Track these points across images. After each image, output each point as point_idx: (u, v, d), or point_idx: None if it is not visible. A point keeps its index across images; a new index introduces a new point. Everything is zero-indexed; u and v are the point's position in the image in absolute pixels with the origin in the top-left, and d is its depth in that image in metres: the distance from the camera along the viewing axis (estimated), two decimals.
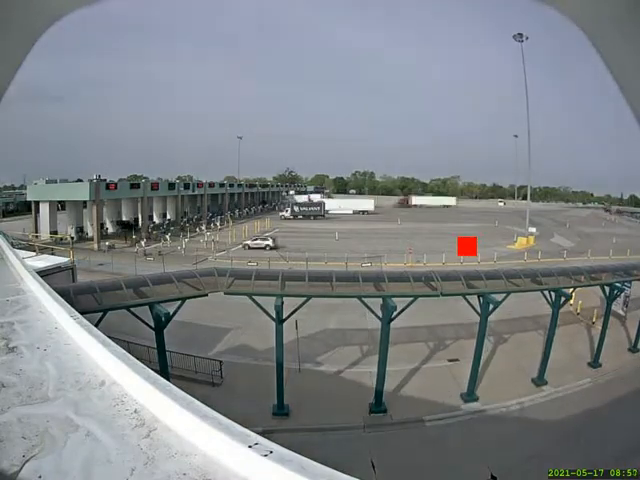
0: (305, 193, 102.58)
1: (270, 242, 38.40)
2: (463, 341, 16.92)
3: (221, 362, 14.51)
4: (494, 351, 16.79)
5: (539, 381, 14.70)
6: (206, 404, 1.97)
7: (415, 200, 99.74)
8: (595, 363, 16.02)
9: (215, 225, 51.30)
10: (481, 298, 13.56)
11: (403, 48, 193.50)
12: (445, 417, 12.71)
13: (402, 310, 12.72)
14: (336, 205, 76.44)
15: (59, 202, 42.54)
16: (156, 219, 53.78)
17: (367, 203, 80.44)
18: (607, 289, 16.39)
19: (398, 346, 15.25)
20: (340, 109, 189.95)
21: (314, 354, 16.01)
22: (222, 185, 69.00)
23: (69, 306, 3.73)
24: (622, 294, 18.23)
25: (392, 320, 12.73)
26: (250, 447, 1.62)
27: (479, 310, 13.60)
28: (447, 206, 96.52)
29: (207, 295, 12.46)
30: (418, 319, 17.11)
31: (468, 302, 13.59)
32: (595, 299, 20.00)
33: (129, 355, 2.60)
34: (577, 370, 15.68)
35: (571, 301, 18.12)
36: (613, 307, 17.28)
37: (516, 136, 73.07)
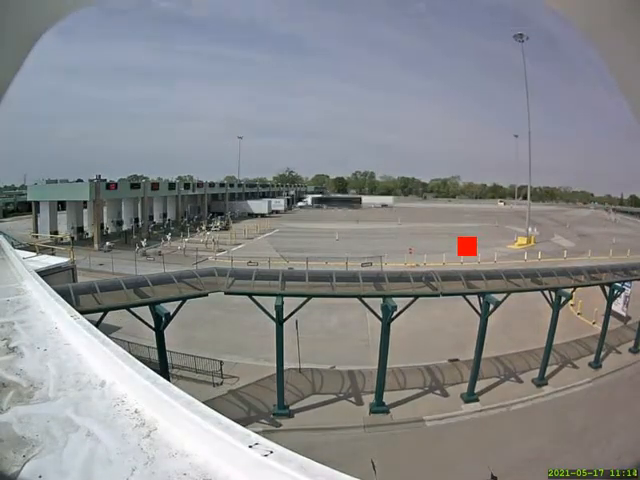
0: (306, 193, 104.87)
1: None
2: (463, 341, 16.90)
3: (221, 362, 14.52)
4: (494, 351, 16.77)
5: (539, 381, 14.70)
6: (206, 404, 1.96)
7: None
8: (595, 363, 16.02)
9: (215, 225, 51.34)
10: (481, 298, 13.55)
11: (402, 47, 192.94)
12: (445, 417, 12.70)
13: (402, 310, 12.72)
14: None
15: (59, 202, 42.53)
16: (156, 219, 53.78)
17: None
18: (607, 289, 16.37)
19: (398, 346, 15.22)
20: (340, 109, 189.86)
21: (314, 354, 16.00)
22: (222, 185, 69.09)
23: (69, 306, 3.72)
24: (622, 294, 18.24)
25: (392, 320, 12.72)
26: (250, 447, 1.62)
27: (479, 310, 13.61)
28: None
29: (207, 295, 12.47)
30: (418, 319, 17.10)
31: (468, 302, 13.58)
32: (596, 299, 19.98)
33: (129, 355, 2.59)
34: (577, 370, 15.68)
35: (571, 301, 18.11)
36: (613, 307, 17.28)
37: (516, 136, 73.33)
